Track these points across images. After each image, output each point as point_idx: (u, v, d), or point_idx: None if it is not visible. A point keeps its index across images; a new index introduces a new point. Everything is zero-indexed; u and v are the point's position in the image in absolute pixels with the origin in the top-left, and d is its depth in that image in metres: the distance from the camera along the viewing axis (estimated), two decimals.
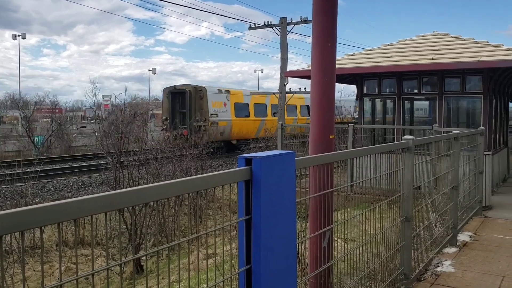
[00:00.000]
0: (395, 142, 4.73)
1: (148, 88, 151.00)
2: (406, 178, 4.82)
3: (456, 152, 6.76)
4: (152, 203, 8.78)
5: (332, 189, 3.88)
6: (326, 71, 4.23)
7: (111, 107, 37.79)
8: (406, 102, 12.71)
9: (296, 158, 2.81)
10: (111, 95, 43.53)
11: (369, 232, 4.66)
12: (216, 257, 7.00)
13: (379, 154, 4.75)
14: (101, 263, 9.79)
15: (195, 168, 13.83)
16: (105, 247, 10.48)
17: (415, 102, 13.34)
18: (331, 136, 4.31)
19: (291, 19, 23.14)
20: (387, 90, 12.36)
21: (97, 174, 19.19)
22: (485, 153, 8.94)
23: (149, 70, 74.08)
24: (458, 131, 6.89)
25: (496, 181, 11.51)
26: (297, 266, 5.83)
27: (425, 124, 12.58)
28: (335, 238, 4.86)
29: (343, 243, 4.80)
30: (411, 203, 4.89)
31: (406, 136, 4.86)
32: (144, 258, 7.96)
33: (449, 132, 7.44)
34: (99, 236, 10.88)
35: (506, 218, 8.52)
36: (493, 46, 10.50)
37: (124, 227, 10.42)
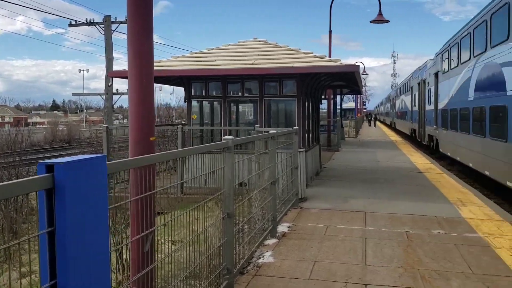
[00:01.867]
0: (216, 143, 4.90)
1: None
2: (227, 176, 5.01)
3: (273, 150, 7.31)
4: None
5: (153, 192, 3.83)
6: (143, 72, 4.15)
7: None
8: (232, 104, 13.30)
9: (108, 162, 2.69)
10: None
11: (197, 232, 4.74)
12: (33, 275, 6.35)
13: (206, 154, 4.89)
14: None
15: (8, 177, 12.38)
16: None
17: (240, 104, 14.07)
18: (152, 138, 4.25)
19: (116, 17, 22.35)
20: (214, 93, 12.77)
21: None
22: (299, 150, 9.85)
23: None
24: (274, 131, 7.45)
25: (310, 175, 12.79)
26: (120, 274, 5.62)
27: (250, 125, 13.34)
28: (163, 240, 4.82)
29: (171, 245, 4.78)
30: (232, 200, 5.11)
31: (225, 137, 5.06)
32: None
33: (267, 132, 7.99)
34: None
35: (318, 208, 9.52)
36: (304, 53, 11.64)
37: None
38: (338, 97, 33.05)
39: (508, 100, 11.25)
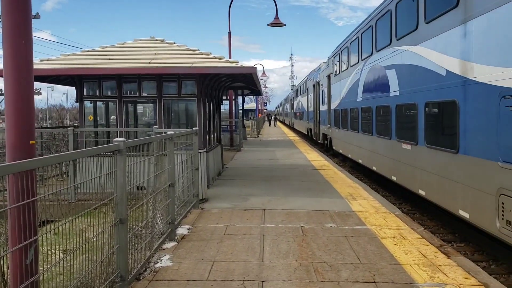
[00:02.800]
0: (105, 145, 4.67)
1: None
2: (118, 180, 4.82)
3: (171, 152, 7.19)
4: None
5: (33, 199, 3.55)
6: (22, 71, 3.84)
7: None
8: (129, 104, 12.86)
9: None
10: None
11: (91, 240, 4.49)
12: None
13: (103, 158, 4.66)
14: None
15: None
16: None
17: (139, 105, 13.66)
18: (31, 142, 3.94)
19: None
20: (109, 93, 12.24)
21: None
22: (200, 151, 9.81)
23: None
24: (172, 132, 7.33)
25: (212, 175, 12.81)
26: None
27: (150, 126, 13.00)
28: (53, 250, 4.50)
29: (62, 255, 4.48)
30: (125, 205, 4.92)
31: (116, 139, 4.86)
32: None
33: (166, 133, 7.83)
34: None
35: (219, 208, 9.56)
36: (203, 53, 11.60)
37: None
38: (240, 98, 33.51)
39: (392, 101, 12.22)
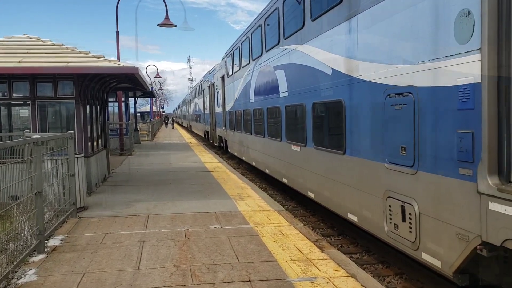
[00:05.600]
0: None
1: None
2: None
3: (38, 157, 6.63)
4: None
5: None
6: None
7: None
8: (2, 107, 11.74)
9: None
10: None
11: None
12: None
13: None
14: None
15: None
16: None
17: (13, 107, 12.48)
18: None
19: None
20: None
21: None
22: (77, 156, 9.21)
23: None
24: (38, 136, 6.77)
25: (95, 182, 12.13)
26: None
27: (23, 130, 11.97)
28: None
29: None
30: None
31: None
32: None
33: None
34: None
35: (100, 216, 9.05)
36: (81, 52, 10.93)
37: None
38: (132, 100, 32.41)
39: (281, 102, 12.09)
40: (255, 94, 15.48)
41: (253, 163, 16.36)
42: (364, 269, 6.29)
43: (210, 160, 19.92)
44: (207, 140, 34.21)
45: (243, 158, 18.40)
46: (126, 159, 20.64)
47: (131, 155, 22.82)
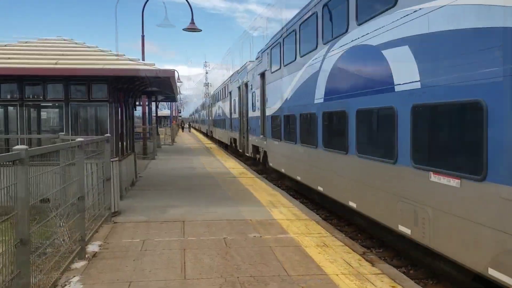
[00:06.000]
0: (3, 154, 4.00)
1: None
2: (19, 195, 4.16)
3: (81, 161, 6.50)
4: None
5: None
6: None
7: None
8: (31, 109, 11.70)
9: None
10: None
11: None
12: None
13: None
14: None
15: None
16: None
17: (43, 109, 12.44)
18: None
19: None
20: (8, 96, 11.03)
21: None
22: (112, 159, 9.09)
23: None
24: (82, 139, 6.64)
25: (125, 186, 12.02)
26: None
27: (55, 133, 11.91)
28: None
29: None
30: (27, 223, 4.26)
31: (17, 146, 4.20)
32: None
33: (74, 140, 7.09)
34: None
35: (134, 221, 8.90)
36: (116, 55, 10.87)
37: None
38: (153, 104, 32.47)
39: (398, 100, 7.08)
40: (327, 92, 10.70)
41: (320, 188, 11.29)
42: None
43: (234, 165, 19.75)
44: (231, 148, 30.16)
45: (298, 179, 13.36)
46: (150, 163, 20.57)
47: (154, 159, 22.76)
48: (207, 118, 59.08)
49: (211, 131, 51.39)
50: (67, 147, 6.18)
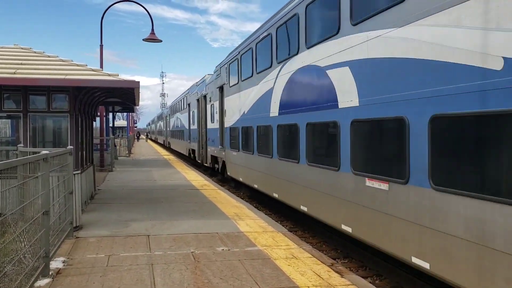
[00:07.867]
0: None
1: None
2: None
3: (46, 174, 6.28)
4: None
5: None
6: None
7: None
8: None
9: None
10: None
11: None
12: None
13: None
14: None
15: None
16: None
17: None
18: None
19: None
20: None
21: None
22: (75, 172, 8.83)
23: None
24: (47, 152, 6.41)
25: (84, 199, 11.67)
26: None
27: (8, 145, 11.44)
28: None
29: None
30: None
31: None
32: None
33: (36, 152, 6.84)
34: None
35: (97, 236, 8.65)
36: (77, 65, 10.58)
37: None
38: (111, 114, 31.78)
39: (338, 115, 8.38)
40: (281, 107, 11.58)
41: (275, 195, 12.16)
42: None
43: (195, 177, 19.58)
44: (189, 159, 30.91)
45: (255, 187, 14.22)
46: (108, 175, 20.07)
47: (112, 171, 22.22)
48: (164, 129, 58.80)
49: (168, 142, 51.53)
50: (34, 160, 5.95)
